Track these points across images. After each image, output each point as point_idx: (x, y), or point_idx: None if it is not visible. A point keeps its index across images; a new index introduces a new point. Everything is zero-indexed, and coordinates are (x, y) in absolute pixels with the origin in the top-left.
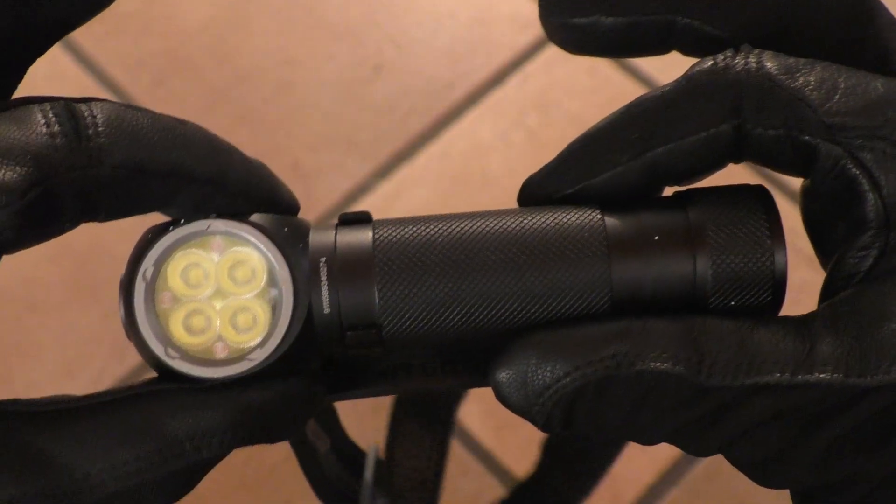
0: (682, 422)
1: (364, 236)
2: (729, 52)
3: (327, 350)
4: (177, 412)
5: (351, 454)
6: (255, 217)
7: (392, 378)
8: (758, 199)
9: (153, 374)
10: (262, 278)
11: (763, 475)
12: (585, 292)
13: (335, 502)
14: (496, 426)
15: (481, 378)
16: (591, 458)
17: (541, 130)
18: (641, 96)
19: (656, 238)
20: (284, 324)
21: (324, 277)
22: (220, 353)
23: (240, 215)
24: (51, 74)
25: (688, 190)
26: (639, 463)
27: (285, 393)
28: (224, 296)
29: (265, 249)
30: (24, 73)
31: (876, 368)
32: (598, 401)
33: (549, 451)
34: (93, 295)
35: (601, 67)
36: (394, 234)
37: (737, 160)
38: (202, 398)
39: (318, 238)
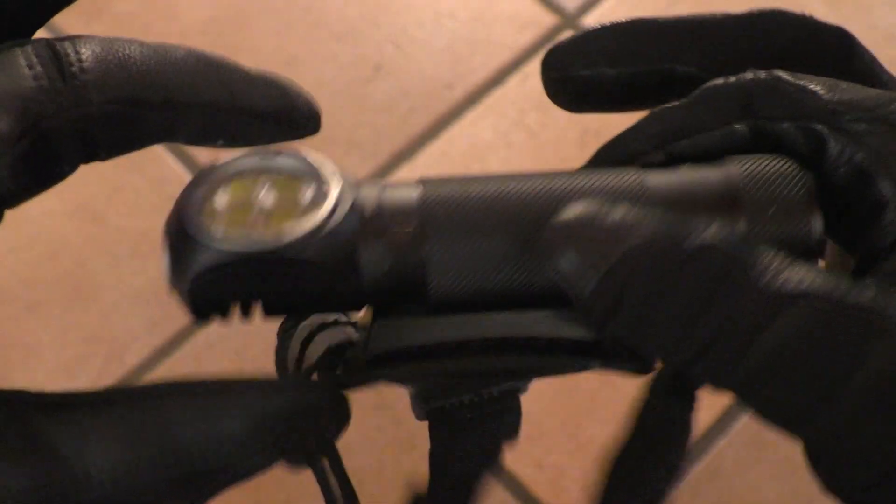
0: (723, 321)
1: (411, 191)
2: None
3: (370, 245)
4: (186, 415)
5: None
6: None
7: (433, 355)
8: (792, 165)
9: (154, 374)
10: (309, 194)
11: (785, 422)
12: None
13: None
14: None
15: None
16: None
17: (541, 130)
18: (659, 106)
19: (697, 197)
20: (331, 202)
21: (371, 192)
22: (264, 233)
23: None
24: None
25: (723, 157)
26: None
27: (307, 401)
28: (274, 215)
29: (317, 165)
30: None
31: None
32: (650, 279)
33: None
34: (93, 295)
35: None
36: (441, 189)
37: None
38: (217, 402)
39: (363, 189)
